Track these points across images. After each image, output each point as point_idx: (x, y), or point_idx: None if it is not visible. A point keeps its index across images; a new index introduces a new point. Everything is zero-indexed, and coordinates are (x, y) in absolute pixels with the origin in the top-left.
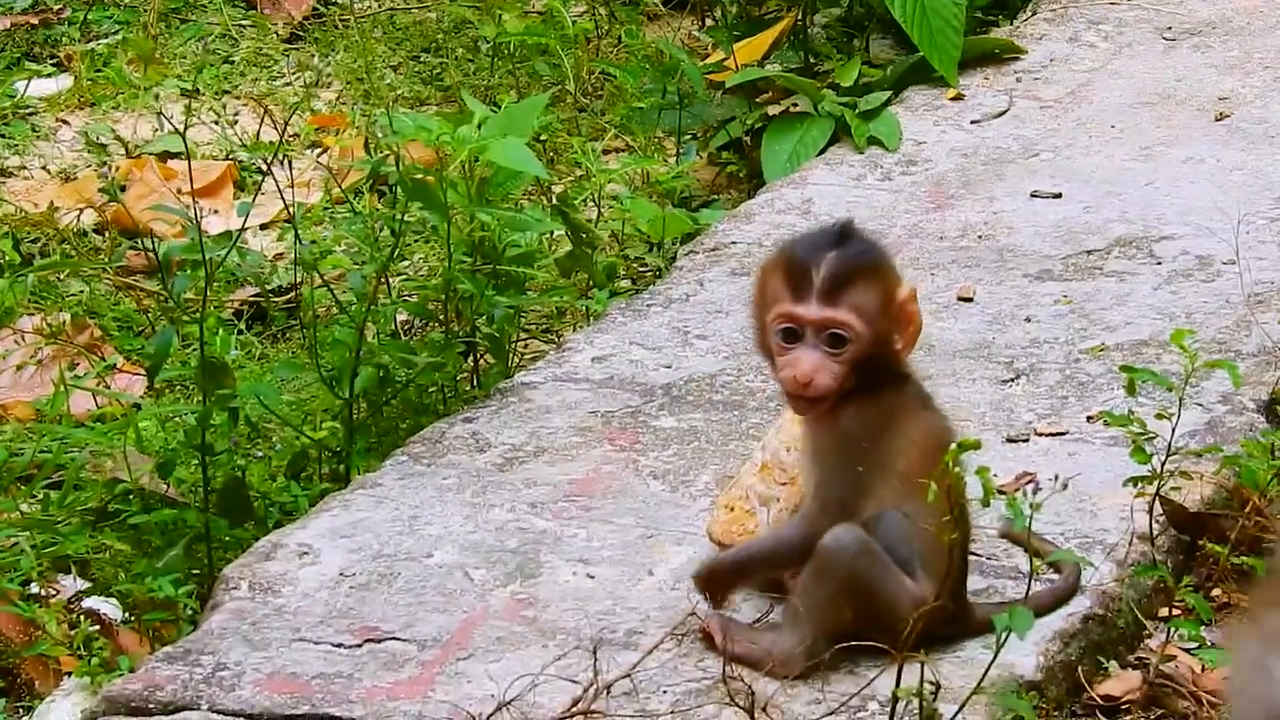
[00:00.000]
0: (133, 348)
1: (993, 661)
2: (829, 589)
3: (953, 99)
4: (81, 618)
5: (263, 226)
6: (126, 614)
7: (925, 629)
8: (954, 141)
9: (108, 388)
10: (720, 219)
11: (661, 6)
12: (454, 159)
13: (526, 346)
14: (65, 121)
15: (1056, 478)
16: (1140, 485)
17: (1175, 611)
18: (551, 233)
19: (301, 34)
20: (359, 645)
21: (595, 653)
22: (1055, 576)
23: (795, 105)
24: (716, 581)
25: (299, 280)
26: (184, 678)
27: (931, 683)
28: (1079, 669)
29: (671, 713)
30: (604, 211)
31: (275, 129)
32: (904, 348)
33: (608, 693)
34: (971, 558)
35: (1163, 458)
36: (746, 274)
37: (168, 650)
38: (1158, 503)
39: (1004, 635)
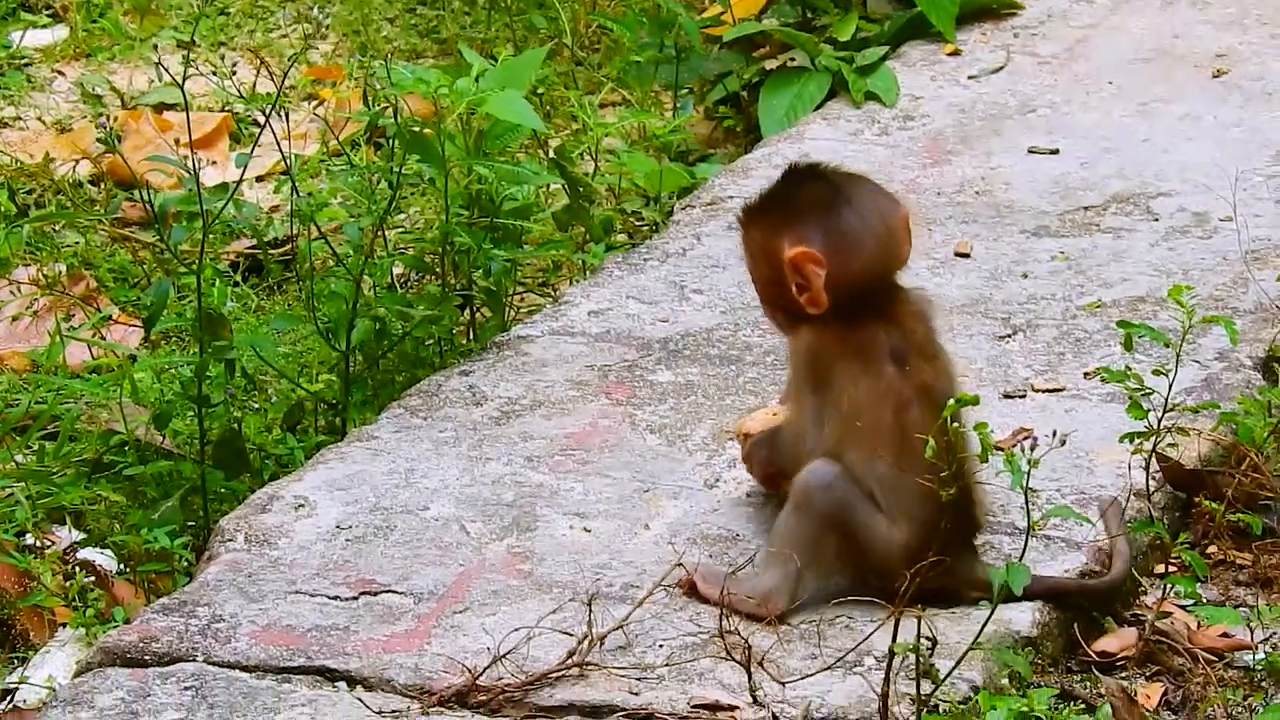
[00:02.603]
0: (129, 299)
1: (989, 617)
2: (809, 524)
3: (950, 54)
4: (76, 569)
5: (259, 178)
6: (122, 565)
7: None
8: (951, 97)
9: (103, 339)
10: (717, 173)
11: None
12: (451, 112)
13: (523, 300)
14: (61, 72)
15: (1054, 433)
16: (1137, 441)
17: (1171, 568)
18: (548, 186)
19: None
20: (355, 598)
21: (590, 606)
22: (1052, 534)
23: (792, 60)
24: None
25: (295, 232)
26: (179, 629)
27: (928, 638)
28: (1075, 625)
29: (667, 665)
30: (601, 165)
31: (272, 81)
32: (807, 304)
33: (601, 645)
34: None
35: (1159, 414)
36: None
37: (163, 602)
38: (1154, 459)
39: (1000, 590)
